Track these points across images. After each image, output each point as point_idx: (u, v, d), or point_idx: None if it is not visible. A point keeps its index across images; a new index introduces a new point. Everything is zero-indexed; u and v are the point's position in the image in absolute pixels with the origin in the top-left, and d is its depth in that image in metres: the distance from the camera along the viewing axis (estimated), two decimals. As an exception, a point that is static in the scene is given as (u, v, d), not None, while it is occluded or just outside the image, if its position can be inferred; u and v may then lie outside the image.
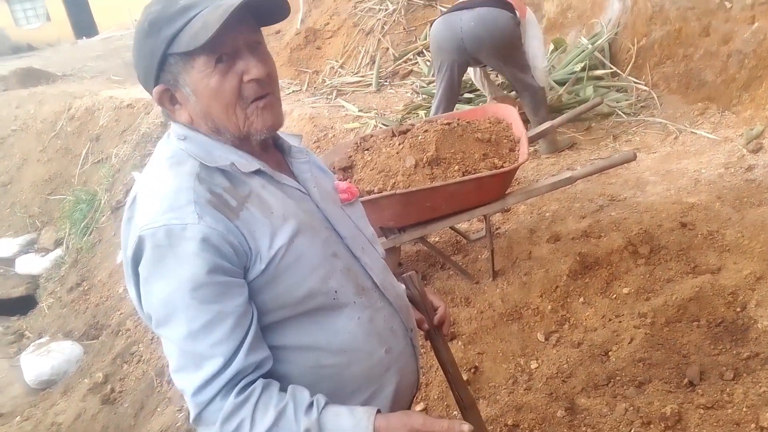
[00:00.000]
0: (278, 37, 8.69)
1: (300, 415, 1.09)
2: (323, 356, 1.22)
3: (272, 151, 1.33)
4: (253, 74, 1.16)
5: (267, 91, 1.20)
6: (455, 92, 4.28)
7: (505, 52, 4.07)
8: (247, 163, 1.21)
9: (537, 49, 4.27)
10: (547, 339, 2.90)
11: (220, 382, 1.08)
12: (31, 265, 7.94)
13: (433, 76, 4.23)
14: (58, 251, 7.96)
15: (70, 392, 4.63)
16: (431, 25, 4.06)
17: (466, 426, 1.09)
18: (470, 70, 4.75)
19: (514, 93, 4.75)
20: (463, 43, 3.98)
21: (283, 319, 1.19)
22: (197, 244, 1.07)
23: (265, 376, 1.14)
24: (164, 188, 1.14)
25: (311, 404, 1.11)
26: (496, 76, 5.28)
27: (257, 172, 1.22)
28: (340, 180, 3.13)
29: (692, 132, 4.38)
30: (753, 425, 2.16)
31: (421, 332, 1.56)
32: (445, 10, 4.09)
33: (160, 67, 1.16)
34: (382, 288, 1.35)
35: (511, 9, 4.00)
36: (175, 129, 1.24)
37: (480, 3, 4.00)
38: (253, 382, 1.11)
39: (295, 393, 1.12)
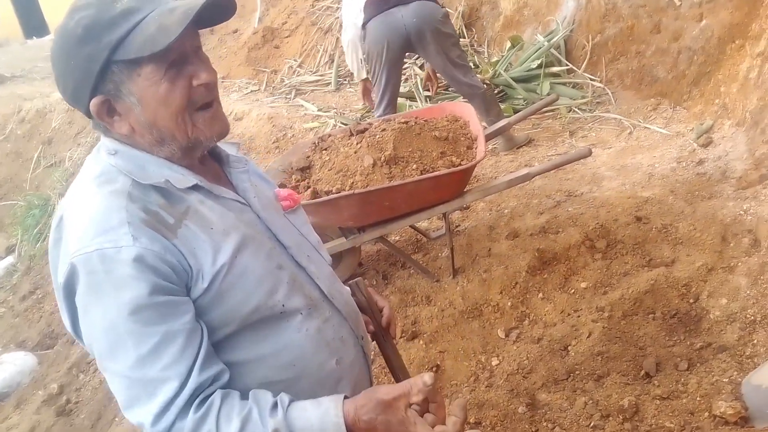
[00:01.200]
0: (235, 37, 8.57)
1: (266, 417, 1.05)
2: (272, 371, 1.18)
3: (209, 162, 1.28)
4: (202, 79, 1.12)
5: (214, 96, 1.17)
6: (398, 89, 4.24)
7: (445, 45, 4.06)
8: (183, 178, 1.15)
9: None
10: (507, 335, 2.92)
11: (178, 404, 1.03)
12: (-19, 273, 7.67)
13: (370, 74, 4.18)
14: (10, 259, 7.70)
15: (24, 405, 4.48)
16: (366, 27, 3.96)
17: (427, 376, 1.07)
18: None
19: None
20: (410, 39, 3.95)
21: (229, 335, 1.15)
22: (134, 267, 1.02)
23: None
24: (94, 209, 1.08)
25: (275, 404, 1.07)
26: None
27: (194, 187, 1.16)
28: (297, 182, 3.10)
29: (646, 127, 4.46)
30: (706, 414, 2.20)
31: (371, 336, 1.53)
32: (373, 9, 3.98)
33: (100, 76, 1.08)
34: (330, 296, 1.31)
35: (437, 1, 4.03)
36: (105, 143, 1.17)
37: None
38: (211, 394, 1.07)
39: (258, 396, 1.09)
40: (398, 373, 1.55)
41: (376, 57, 4.09)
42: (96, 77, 1.07)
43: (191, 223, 1.11)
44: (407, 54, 4.13)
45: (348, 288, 1.49)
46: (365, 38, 4.08)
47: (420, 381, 1.07)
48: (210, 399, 1.05)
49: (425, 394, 1.07)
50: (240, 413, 1.05)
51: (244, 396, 1.09)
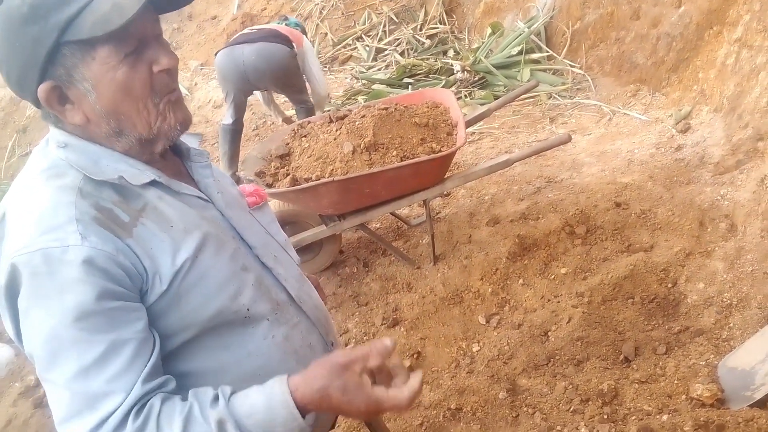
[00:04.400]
0: (214, 23, 8.46)
1: (207, 411, 0.95)
2: (234, 381, 1.05)
3: (170, 156, 1.18)
4: (163, 65, 1.03)
5: (175, 84, 1.08)
6: (242, 111, 4.66)
7: (284, 80, 4.43)
8: (139, 173, 1.06)
9: (316, 77, 4.66)
10: (488, 322, 2.92)
11: (117, 416, 0.93)
12: (-44, 265, 7.53)
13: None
14: (-15, 249, 7.57)
15: (0, 397, 4.41)
16: (216, 56, 4.43)
17: (388, 340, 0.99)
18: (258, 93, 5.15)
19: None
20: (246, 75, 4.31)
21: (188, 341, 1.06)
22: (81, 268, 0.93)
23: None
24: (40, 205, 0.98)
25: (216, 396, 0.97)
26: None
27: (152, 182, 1.07)
28: (276, 169, 3.06)
29: (625, 113, 4.48)
30: (684, 396, 2.23)
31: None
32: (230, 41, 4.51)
33: (48, 59, 0.97)
34: (299, 300, 1.23)
35: (287, 42, 4.33)
36: (54, 135, 1.06)
37: (259, 38, 4.32)
38: (150, 399, 0.97)
39: (198, 393, 0.99)
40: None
41: (220, 84, 4.66)
42: (44, 61, 0.97)
43: (148, 221, 1.03)
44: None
45: (316, 291, 1.39)
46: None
47: (380, 343, 0.98)
48: (149, 404, 0.95)
49: (384, 358, 0.98)
50: (181, 413, 0.94)
51: (186, 398, 1.00)
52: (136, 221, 1.01)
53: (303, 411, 0.95)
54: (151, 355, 0.98)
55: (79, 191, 0.99)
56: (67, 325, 0.92)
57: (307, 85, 4.63)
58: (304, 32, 4.79)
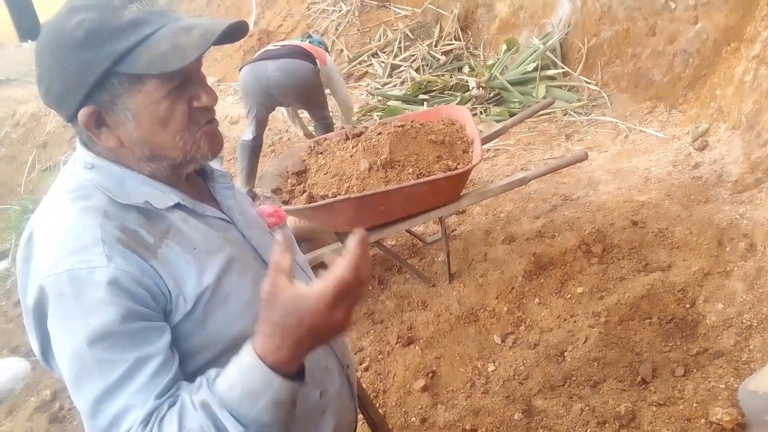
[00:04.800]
0: (231, 39, 8.56)
1: (194, 398, 0.93)
2: None
3: (193, 178, 1.21)
4: (204, 102, 1.07)
5: (213, 115, 1.12)
6: (263, 127, 4.71)
7: (307, 96, 4.46)
8: (164, 196, 1.08)
9: (342, 93, 4.72)
10: (503, 341, 2.90)
11: (134, 429, 0.93)
12: (-25, 277, 7.62)
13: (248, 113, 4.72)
14: (4, 263, 7.64)
15: (16, 411, 4.43)
16: (240, 71, 4.47)
17: (278, 235, 0.91)
18: (283, 109, 5.22)
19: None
20: (270, 90, 4.34)
21: (209, 361, 1.06)
22: (107, 289, 0.94)
23: None
24: (66, 226, 1.00)
25: (200, 383, 0.96)
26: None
27: (176, 205, 1.09)
28: (293, 186, 3.07)
29: (641, 130, 4.46)
30: (703, 420, 2.19)
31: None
32: (254, 57, 4.55)
33: (96, 85, 0.99)
34: None
35: (311, 58, 4.37)
36: (81, 155, 1.09)
37: (283, 54, 4.35)
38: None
39: (189, 385, 0.98)
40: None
41: (243, 100, 4.65)
42: (91, 86, 0.99)
43: (173, 243, 1.05)
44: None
45: None
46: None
47: (276, 244, 0.91)
48: (156, 411, 0.95)
49: (290, 251, 0.90)
50: (176, 408, 0.93)
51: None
52: (160, 243, 1.03)
53: (278, 367, 0.89)
54: (170, 373, 0.98)
55: (105, 213, 1.01)
56: (92, 345, 0.94)
57: (329, 101, 4.65)
58: (326, 50, 4.83)
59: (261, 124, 4.62)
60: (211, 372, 0.96)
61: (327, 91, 4.64)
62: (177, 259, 1.04)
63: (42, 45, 1.02)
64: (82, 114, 1.01)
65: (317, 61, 4.41)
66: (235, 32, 1.08)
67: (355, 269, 0.84)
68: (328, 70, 4.54)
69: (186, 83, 1.05)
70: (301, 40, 4.80)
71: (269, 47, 4.66)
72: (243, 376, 0.90)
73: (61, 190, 1.07)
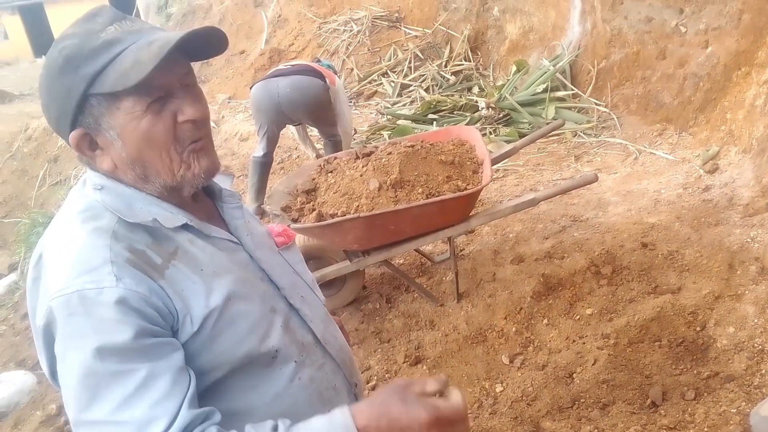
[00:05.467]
0: (242, 58, 8.66)
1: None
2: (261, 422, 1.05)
3: (201, 197, 1.21)
4: (188, 115, 1.06)
5: (202, 134, 1.10)
6: (274, 144, 4.77)
7: (317, 113, 4.52)
8: (172, 216, 1.09)
9: (345, 115, 4.78)
10: (511, 362, 2.88)
11: None
12: (-17, 290, 7.65)
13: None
14: (12, 276, 7.68)
15: (21, 425, 4.43)
16: (252, 89, 4.57)
17: (443, 376, 1.01)
18: (293, 130, 5.32)
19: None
20: (281, 107, 4.41)
21: (217, 381, 1.07)
22: (117, 309, 0.95)
23: None
24: (76, 247, 1.01)
25: (275, 426, 0.98)
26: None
27: (184, 226, 1.10)
28: (302, 204, 3.09)
29: (651, 153, 4.46)
30: (715, 446, 2.16)
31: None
32: (268, 73, 4.69)
33: (78, 109, 1.02)
34: (324, 342, 1.24)
35: (321, 77, 4.45)
36: (91, 177, 1.10)
37: (295, 71, 4.45)
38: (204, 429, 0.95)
39: (255, 426, 0.99)
40: None
41: (254, 117, 4.73)
42: (75, 110, 1.02)
43: (180, 263, 1.05)
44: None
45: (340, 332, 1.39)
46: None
47: (436, 377, 1.01)
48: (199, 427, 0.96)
49: (442, 387, 0.99)
50: None
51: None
52: (168, 263, 1.04)
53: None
54: (190, 382, 0.99)
55: (114, 234, 1.02)
56: (105, 359, 0.94)
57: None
58: (335, 73, 4.92)
59: (271, 142, 4.67)
60: (285, 420, 1.01)
61: None
62: (184, 279, 1.04)
63: (40, 74, 1.06)
64: (72, 137, 1.05)
65: (327, 79, 4.47)
66: (214, 42, 1.10)
67: (463, 413, 0.97)
68: (336, 91, 4.61)
69: (167, 97, 1.05)
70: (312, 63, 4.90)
71: (280, 66, 4.75)
72: (331, 428, 0.96)
73: (71, 210, 1.09)
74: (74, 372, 0.96)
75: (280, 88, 4.35)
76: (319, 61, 5.02)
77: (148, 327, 0.97)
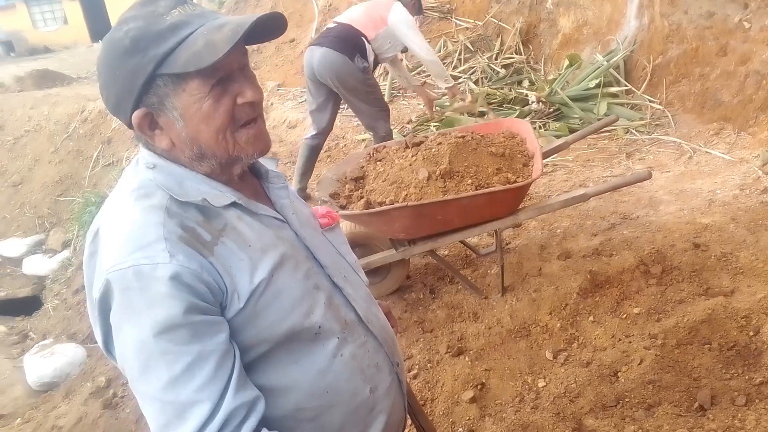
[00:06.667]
0: (292, 46, 8.72)
1: None
2: (303, 398, 1.13)
3: (248, 177, 1.25)
4: (247, 97, 1.10)
5: (257, 113, 1.14)
6: (321, 124, 4.59)
7: (344, 91, 4.31)
8: (221, 195, 1.13)
9: (418, 44, 4.33)
10: (555, 357, 2.86)
11: (212, 429, 0.98)
12: (38, 266, 7.96)
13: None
14: (66, 253, 7.97)
15: (72, 395, 4.60)
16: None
17: None
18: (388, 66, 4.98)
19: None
20: (315, 76, 4.31)
21: (261, 356, 1.11)
22: (170, 284, 0.99)
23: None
24: (131, 224, 1.05)
25: None
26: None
27: (232, 204, 1.14)
28: (351, 191, 3.11)
29: (707, 152, 4.34)
30: (766, 453, 2.11)
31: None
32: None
33: (143, 89, 1.05)
34: (366, 320, 1.27)
35: (353, 48, 4.18)
36: (144, 156, 1.14)
37: (328, 41, 4.23)
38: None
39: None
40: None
41: (306, 82, 4.52)
42: (140, 90, 1.05)
43: (228, 240, 1.09)
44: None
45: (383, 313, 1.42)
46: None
47: None
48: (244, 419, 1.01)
49: None
50: None
51: None
52: (217, 240, 1.08)
53: None
54: (234, 365, 1.03)
55: (167, 211, 1.06)
56: (157, 337, 0.98)
57: (370, 106, 4.44)
58: None
59: (317, 121, 4.53)
60: None
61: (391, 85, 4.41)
62: (232, 256, 1.07)
63: (99, 57, 1.09)
64: (136, 116, 1.08)
65: (365, 38, 4.19)
66: (273, 28, 1.12)
67: None
68: (392, 28, 4.24)
69: (228, 80, 1.08)
70: None
71: (329, 25, 4.48)
72: None
73: (126, 188, 1.13)
74: (129, 344, 1.01)
75: (314, 59, 4.22)
76: None
77: (198, 303, 1.01)
